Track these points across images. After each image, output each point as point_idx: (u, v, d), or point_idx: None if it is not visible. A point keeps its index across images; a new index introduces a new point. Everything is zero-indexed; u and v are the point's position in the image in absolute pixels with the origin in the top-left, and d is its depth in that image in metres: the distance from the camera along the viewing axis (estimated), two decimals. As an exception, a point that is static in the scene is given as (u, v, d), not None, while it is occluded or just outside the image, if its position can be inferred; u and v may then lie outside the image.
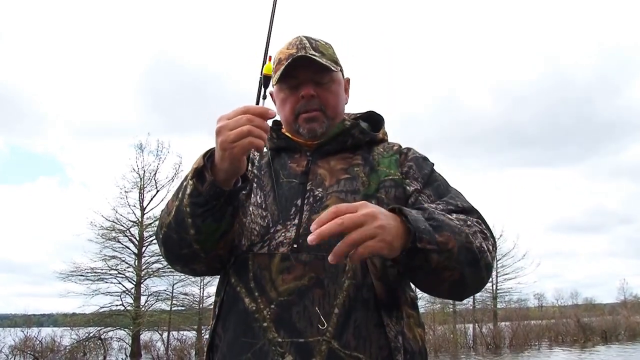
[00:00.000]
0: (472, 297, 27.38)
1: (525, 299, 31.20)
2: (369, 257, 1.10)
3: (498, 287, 27.35)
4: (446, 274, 1.05)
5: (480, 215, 1.18)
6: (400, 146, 1.34)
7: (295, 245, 1.14)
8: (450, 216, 1.10)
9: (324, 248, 1.11)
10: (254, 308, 1.12)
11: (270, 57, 1.17)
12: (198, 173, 1.10)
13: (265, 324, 1.10)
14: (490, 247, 1.13)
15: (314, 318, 1.08)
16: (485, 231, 1.14)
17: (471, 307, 27.35)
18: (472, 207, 1.19)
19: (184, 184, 1.13)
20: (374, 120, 1.40)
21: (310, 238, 0.92)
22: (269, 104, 1.16)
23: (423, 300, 27.09)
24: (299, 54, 1.26)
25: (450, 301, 27.25)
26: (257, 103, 1.17)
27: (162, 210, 1.21)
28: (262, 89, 1.19)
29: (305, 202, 1.21)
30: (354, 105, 1.45)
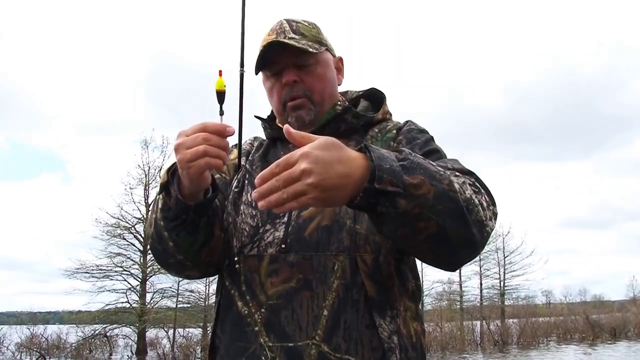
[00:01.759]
0: (479, 293, 27.23)
1: (533, 295, 31.10)
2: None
3: (505, 284, 27.19)
4: (420, 225, 0.92)
5: (477, 177, 1.04)
6: (399, 123, 1.28)
7: (283, 246, 1.12)
8: (432, 162, 0.98)
9: (312, 247, 1.10)
10: (246, 312, 1.11)
11: (220, 71, 1.13)
12: (165, 188, 1.09)
13: (256, 328, 1.09)
14: (485, 204, 0.99)
15: (303, 321, 1.05)
16: (480, 187, 1.01)
17: (478, 304, 27.18)
18: (468, 169, 1.05)
19: (157, 197, 1.13)
20: (376, 98, 1.32)
21: (253, 195, 0.89)
22: (228, 120, 1.11)
23: (430, 297, 27.02)
24: (278, 39, 1.21)
25: (458, 298, 27.16)
26: (241, 104, 1.13)
27: (146, 222, 1.15)
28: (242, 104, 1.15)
29: None
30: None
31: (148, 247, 1.25)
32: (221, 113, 1.13)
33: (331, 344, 1.04)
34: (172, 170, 1.09)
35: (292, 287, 1.08)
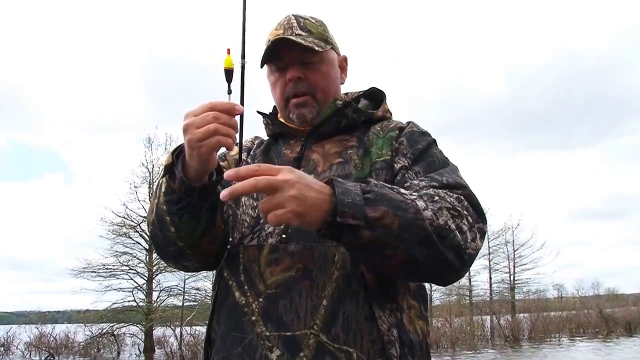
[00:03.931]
0: (489, 287, 26.87)
1: (544, 289, 30.66)
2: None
3: (516, 278, 26.82)
4: (388, 253, 0.98)
5: (468, 192, 1.08)
6: (401, 123, 1.29)
7: (284, 236, 1.12)
8: (403, 191, 1.02)
9: (313, 238, 1.09)
10: (243, 302, 1.11)
11: (229, 49, 1.13)
12: (169, 170, 1.09)
13: (254, 318, 1.08)
14: (465, 227, 1.03)
15: (301, 310, 1.05)
16: (460, 209, 1.04)
17: (488, 299, 26.84)
18: (460, 183, 1.10)
19: (160, 182, 1.13)
20: (376, 97, 1.36)
21: (222, 194, 0.92)
22: (235, 99, 1.11)
23: (438, 292, 26.73)
24: (285, 35, 1.23)
25: (467, 292, 26.86)
26: (242, 96, 1.15)
27: (148, 209, 1.21)
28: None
29: None
30: (360, 87, 1.40)
31: (149, 238, 1.25)
32: (229, 92, 1.11)
33: (330, 334, 1.04)
34: (177, 153, 1.08)
35: (291, 276, 1.08)
